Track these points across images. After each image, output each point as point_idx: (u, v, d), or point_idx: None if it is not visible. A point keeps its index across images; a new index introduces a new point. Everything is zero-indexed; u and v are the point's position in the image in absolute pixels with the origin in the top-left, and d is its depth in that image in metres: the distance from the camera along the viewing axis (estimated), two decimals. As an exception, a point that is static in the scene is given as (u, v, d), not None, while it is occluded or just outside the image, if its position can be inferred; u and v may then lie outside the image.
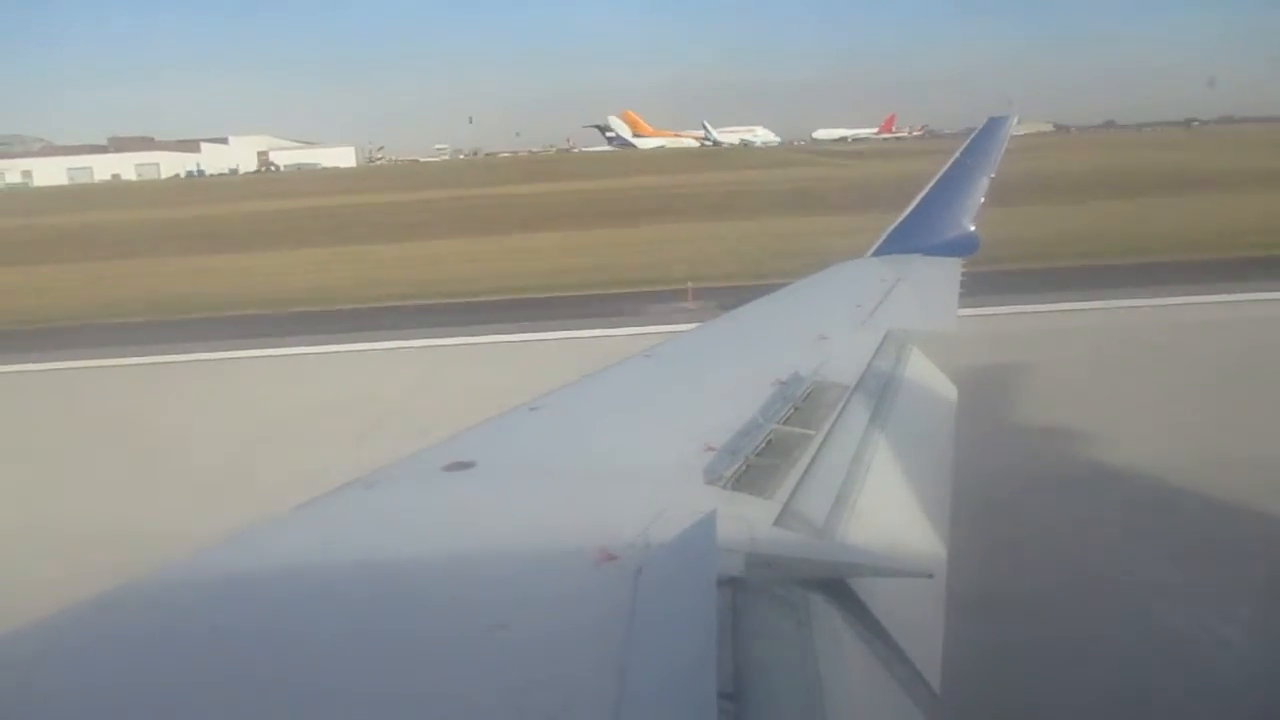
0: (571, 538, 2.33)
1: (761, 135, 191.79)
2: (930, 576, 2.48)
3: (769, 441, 3.09)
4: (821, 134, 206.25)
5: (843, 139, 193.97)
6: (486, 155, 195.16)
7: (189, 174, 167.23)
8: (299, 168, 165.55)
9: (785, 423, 3.30)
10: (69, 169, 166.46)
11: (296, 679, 1.78)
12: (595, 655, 1.77)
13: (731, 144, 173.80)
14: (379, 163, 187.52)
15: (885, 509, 3.00)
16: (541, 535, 2.40)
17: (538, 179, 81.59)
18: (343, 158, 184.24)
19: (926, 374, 4.61)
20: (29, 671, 1.86)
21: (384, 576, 2.20)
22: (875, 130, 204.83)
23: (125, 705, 1.71)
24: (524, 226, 43.32)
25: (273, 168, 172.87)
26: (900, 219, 8.09)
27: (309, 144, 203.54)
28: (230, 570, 2.29)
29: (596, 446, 3.29)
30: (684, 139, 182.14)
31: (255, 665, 1.83)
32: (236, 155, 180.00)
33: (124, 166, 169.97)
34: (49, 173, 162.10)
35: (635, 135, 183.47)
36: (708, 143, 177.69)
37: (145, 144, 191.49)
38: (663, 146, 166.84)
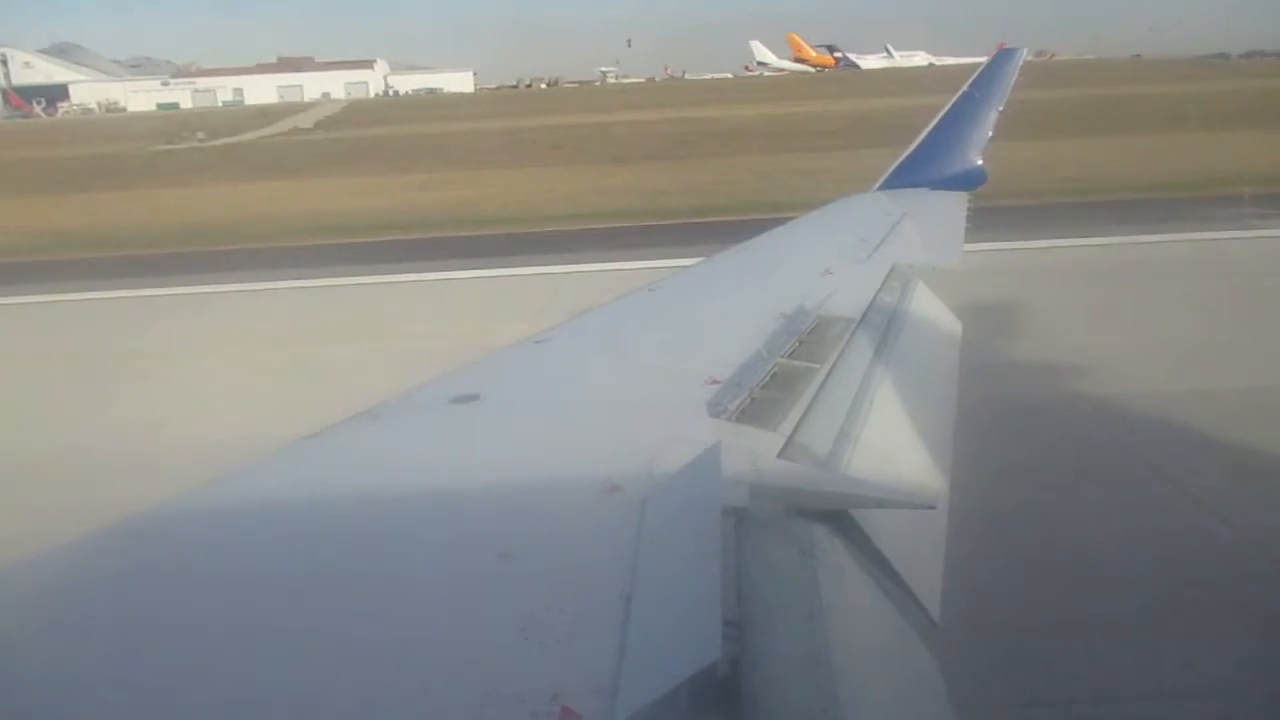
0: (576, 469, 2.35)
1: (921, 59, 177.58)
2: (932, 508, 2.50)
3: (773, 375, 3.10)
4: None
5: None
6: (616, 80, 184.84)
7: (393, 91, 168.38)
8: (429, 92, 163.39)
9: (789, 356, 3.30)
10: (279, 86, 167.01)
11: (303, 609, 1.80)
12: (601, 584, 1.79)
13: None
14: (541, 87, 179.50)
15: (888, 442, 3.02)
16: (547, 467, 2.41)
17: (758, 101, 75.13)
18: (462, 83, 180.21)
19: (931, 308, 4.61)
20: (30, 602, 1.88)
21: (390, 507, 2.21)
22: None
23: (132, 637, 1.73)
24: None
25: (392, 92, 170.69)
26: (907, 152, 8.01)
27: (425, 69, 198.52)
28: (237, 501, 2.30)
29: (601, 379, 3.29)
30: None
31: (263, 596, 1.85)
32: (330, 81, 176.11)
33: (334, 85, 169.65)
34: (260, 90, 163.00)
35: (797, 60, 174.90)
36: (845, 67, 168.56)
37: (304, 64, 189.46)
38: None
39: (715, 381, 2.97)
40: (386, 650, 1.64)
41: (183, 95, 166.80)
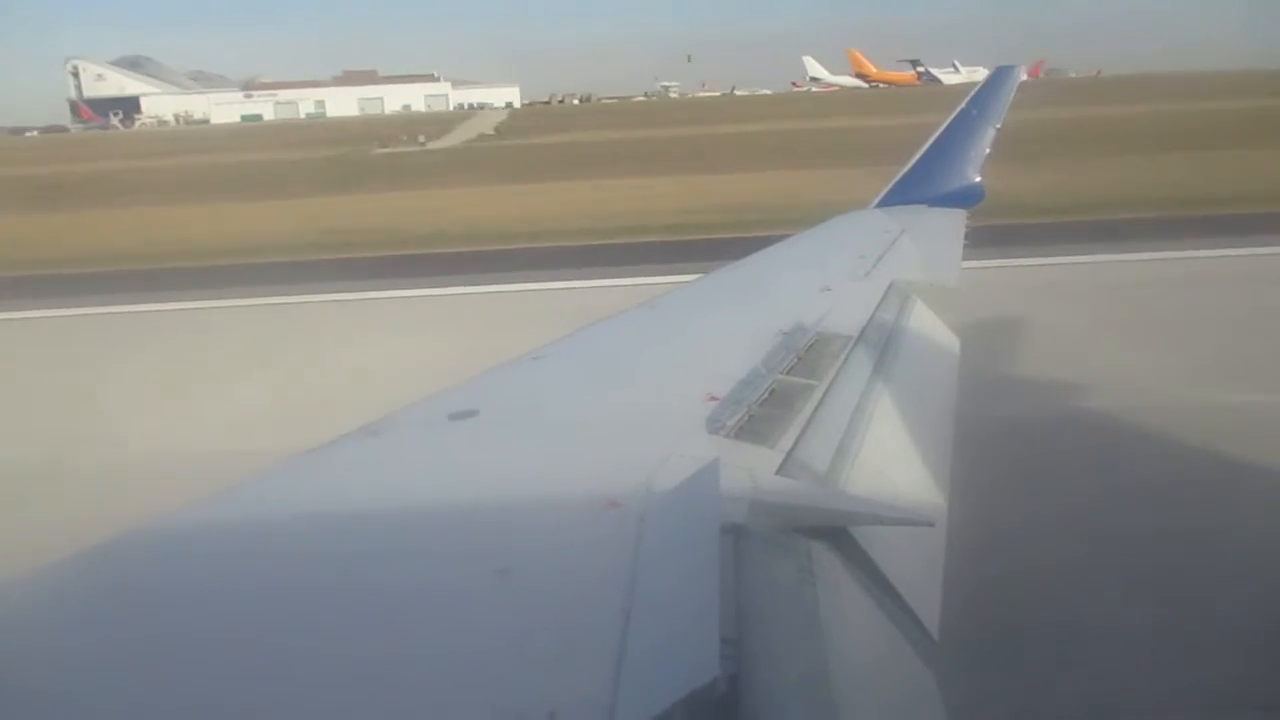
0: (575, 485, 2.35)
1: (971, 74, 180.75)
2: (931, 525, 2.49)
3: (772, 391, 3.10)
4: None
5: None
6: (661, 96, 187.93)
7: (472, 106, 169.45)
8: (480, 107, 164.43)
9: (788, 373, 3.31)
10: (360, 99, 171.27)
11: (302, 624, 1.81)
12: (599, 601, 1.79)
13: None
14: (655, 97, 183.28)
15: (887, 458, 3.02)
16: (545, 483, 2.41)
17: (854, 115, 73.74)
18: (509, 97, 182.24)
19: (929, 325, 4.60)
20: (22, 621, 1.88)
21: (388, 523, 2.21)
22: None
23: (127, 651, 1.74)
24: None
25: (406, 106, 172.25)
26: (905, 169, 8.02)
27: (474, 84, 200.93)
28: (236, 517, 2.31)
29: (600, 395, 3.30)
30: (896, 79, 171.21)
31: (261, 612, 1.85)
32: (411, 94, 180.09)
33: (413, 98, 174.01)
34: (341, 103, 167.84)
35: (857, 75, 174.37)
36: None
37: (372, 78, 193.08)
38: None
39: (714, 398, 2.98)
40: (384, 666, 1.64)
41: (265, 108, 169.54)
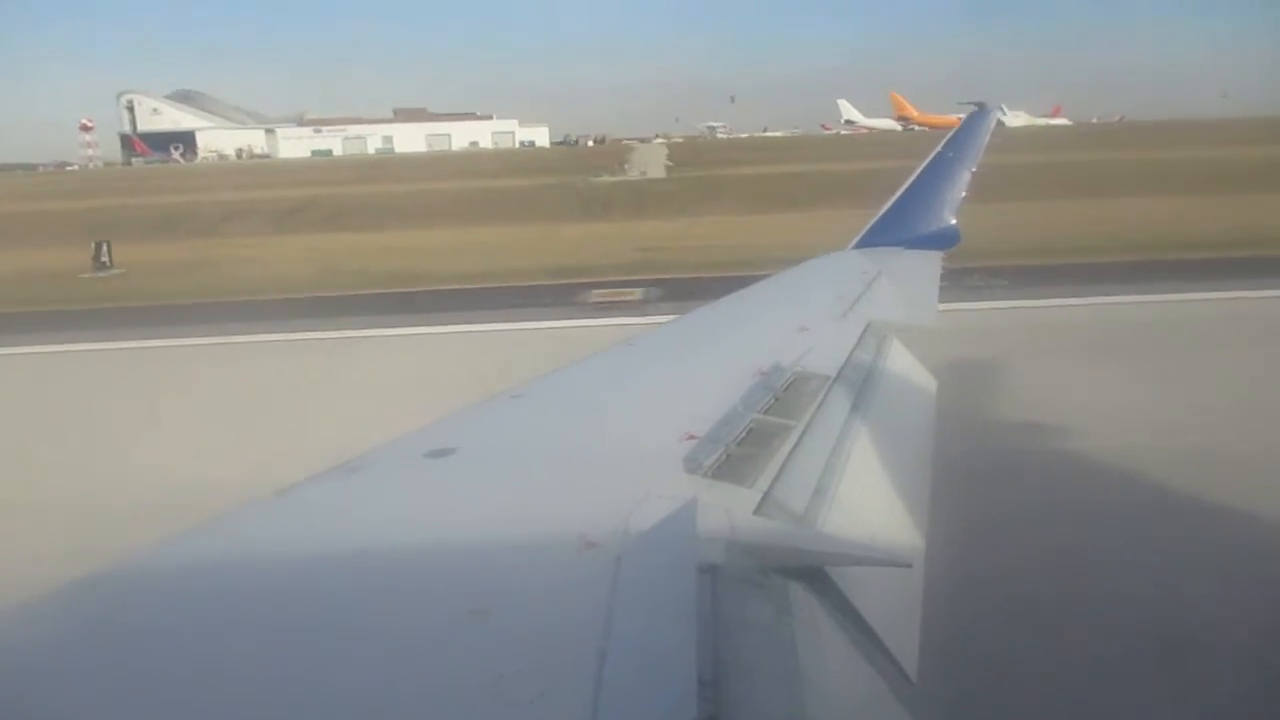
0: (552, 525, 2.34)
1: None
2: (909, 566, 2.50)
3: (750, 431, 3.09)
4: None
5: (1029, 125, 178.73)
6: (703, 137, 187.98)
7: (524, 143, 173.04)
8: (532, 144, 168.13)
9: (766, 412, 3.30)
10: (428, 135, 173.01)
11: (275, 665, 1.79)
12: (575, 642, 1.77)
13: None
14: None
15: (865, 499, 3.02)
16: (522, 522, 2.40)
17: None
18: (538, 136, 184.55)
19: (907, 366, 4.62)
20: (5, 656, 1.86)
21: (364, 562, 2.20)
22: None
23: (100, 693, 1.72)
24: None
25: (473, 143, 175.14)
26: (882, 211, 8.07)
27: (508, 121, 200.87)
28: (210, 555, 2.29)
29: (578, 434, 3.30)
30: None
31: (233, 651, 1.84)
32: (478, 131, 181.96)
33: (480, 134, 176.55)
34: (408, 139, 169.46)
35: (899, 119, 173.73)
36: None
37: (424, 115, 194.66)
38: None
39: (692, 437, 2.97)
40: (357, 706, 1.63)
41: (334, 143, 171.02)
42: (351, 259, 29.59)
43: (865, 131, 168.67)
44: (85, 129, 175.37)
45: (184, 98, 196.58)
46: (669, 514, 2.25)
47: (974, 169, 8.30)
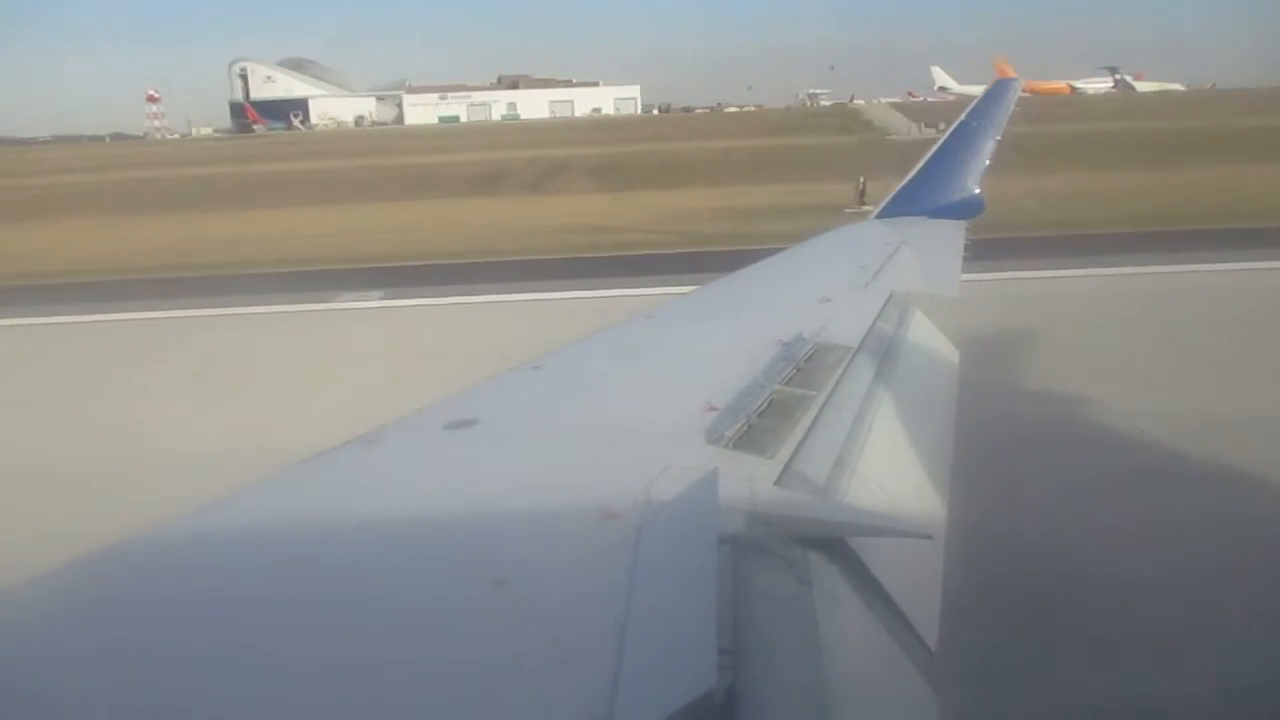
0: (573, 496, 2.35)
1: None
2: (929, 537, 2.48)
3: (771, 402, 3.09)
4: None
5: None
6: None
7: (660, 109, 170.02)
8: (668, 108, 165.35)
9: (787, 383, 3.29)
10: (551, 101, 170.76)
11: (295, 635, 1.81)
12: (596, 612, 1.79)
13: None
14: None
15: (886, 470, 3.00)
16: (543, 493, 2.41)
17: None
18: (620, 102, 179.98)
19: (929, 337, 4.59)
20: (17, 630, 1.89)
21: (385, 533, 2.21)
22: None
23: (119, 666, 1.74)
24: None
25: (596, 109, 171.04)
26: (905, 181, 8.02)
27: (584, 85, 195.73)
28: (231, 528, 2.31)
29: (599, 405, 3.30)
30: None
31: (257, 622, 1.86)
32: (600, 97, 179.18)
33: (603, 101, 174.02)
34: (533, 105, 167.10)
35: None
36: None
37: (529, 81, 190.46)
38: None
39: (713, 408, 2.97)
40: (380, 676, 1.65)
41: (459, 109, 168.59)
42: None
43: (953, 99, 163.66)
44: (152, 100, 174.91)
45: (295, 65, 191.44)
46: (690, 485, 2.25)
47: (998, 138, 8.21)
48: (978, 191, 7.86)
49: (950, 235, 7.03)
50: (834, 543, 2.24)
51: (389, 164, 58.48)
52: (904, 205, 7.76)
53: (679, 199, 36.17)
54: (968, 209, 7.72)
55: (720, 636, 1.58)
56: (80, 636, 1.83)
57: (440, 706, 1.59)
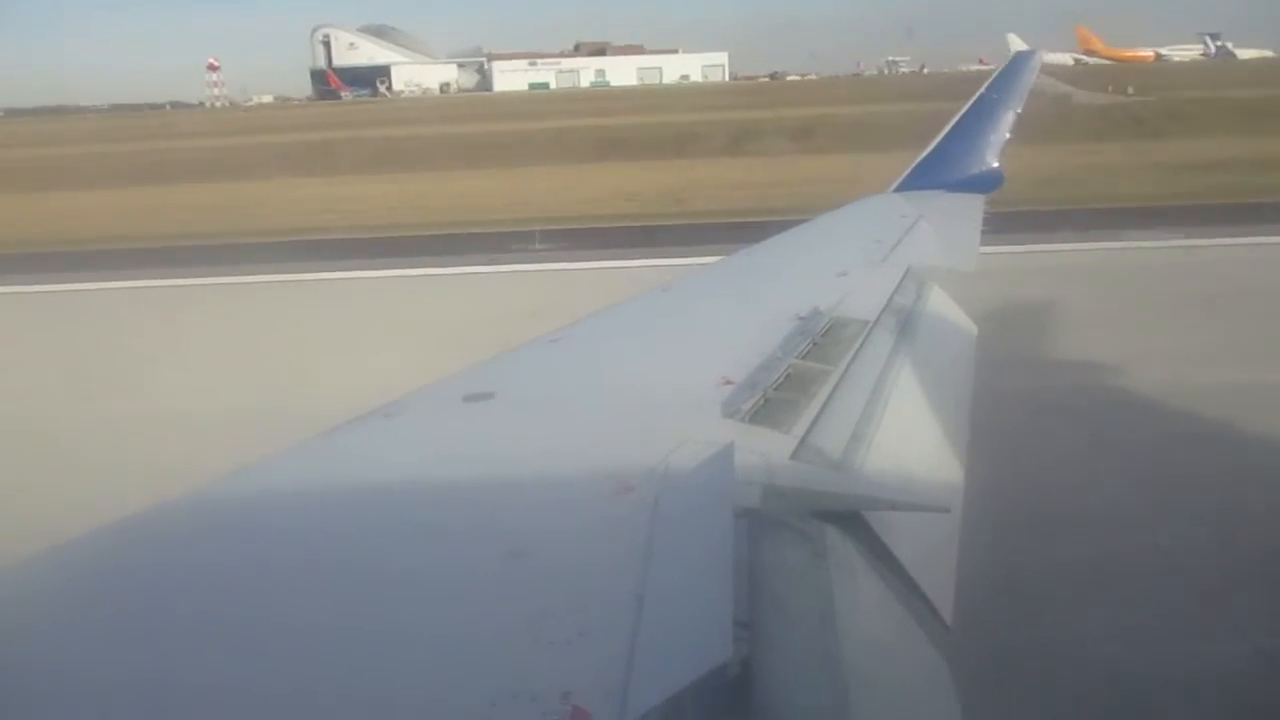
0: (589, 468, 2.36)
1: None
2: (946, 511, 2.48)
3: (787, 376, 3.09)
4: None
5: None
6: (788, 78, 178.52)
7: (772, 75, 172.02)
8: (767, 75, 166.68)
9: (804, 358, 3.29)
10: (639, 69, 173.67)
11: (313, 606, 1.83)
12: (612, 584, 1.80)
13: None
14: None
15: (902, 444, 2.99)
16: (560, 465, 2.42)
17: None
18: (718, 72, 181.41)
19: (946, 311, 4.53)
20: (32, 599, 1.91)
21: (402, 505, 2.23)
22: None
23: (138, 634, 1.76)
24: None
25: (684, 77, 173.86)
26: (924, 154, 7.93)
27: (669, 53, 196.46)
28: (248, 498, 2.33)
29: (615, 378, 3.31)
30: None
31: (272, 592, 1.88)
32: (689, 65, 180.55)
33: (691, 68, 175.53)
34: (621, 73, 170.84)
35: (1087, 53, 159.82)
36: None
37: (610, 49, 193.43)
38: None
39: (729, 382, 2.98)
40: (396, 648, 1.66)
41: (549, 76, 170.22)
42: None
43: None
44: (212, 68, 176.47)
45: (377, 32, 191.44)
46: (706, 458, 2.25)
47: (1018, 110, 8.10)
48: (997, 165, 7.77)
49: (969, 209, 6.96)
50: (850, 516, 2.24)
51: (553, 127, 55.34)
52: (923, 178, 7.69)
53: (884, 160, 33.95)
54: (987, 182, 7.64)
55: (736, 609, 1.59)
56: (104, 608, 1.86)
57: (457, 676, 1.61)
